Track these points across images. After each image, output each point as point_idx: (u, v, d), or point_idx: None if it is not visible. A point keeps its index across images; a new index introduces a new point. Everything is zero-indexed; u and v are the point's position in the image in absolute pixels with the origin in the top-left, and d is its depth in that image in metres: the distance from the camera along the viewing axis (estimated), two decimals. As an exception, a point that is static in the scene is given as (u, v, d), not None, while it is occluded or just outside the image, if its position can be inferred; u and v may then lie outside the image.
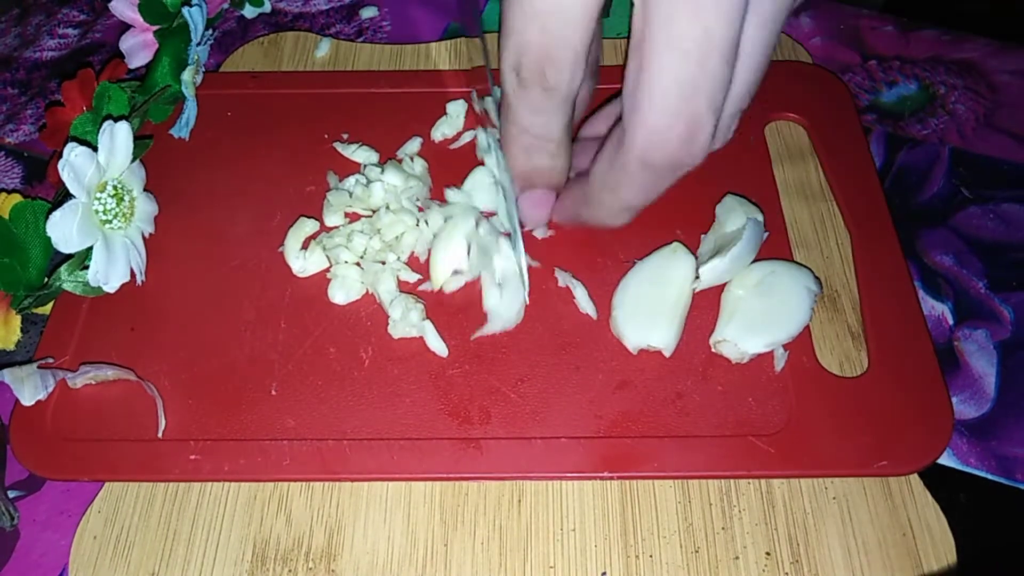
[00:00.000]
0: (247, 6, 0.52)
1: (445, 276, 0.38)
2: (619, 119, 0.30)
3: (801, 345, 0.36)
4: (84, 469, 0.34)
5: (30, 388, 0.35)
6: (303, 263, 0.39)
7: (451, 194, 0.40)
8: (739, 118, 0.30)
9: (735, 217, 0.38)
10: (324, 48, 0.49)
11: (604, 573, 0.32)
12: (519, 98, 0.31)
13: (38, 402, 0.35)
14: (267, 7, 0.52)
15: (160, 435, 0.34)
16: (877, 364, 0.35)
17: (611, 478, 0.33)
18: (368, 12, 0.53)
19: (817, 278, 0.37)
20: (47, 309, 0.39)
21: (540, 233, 0.39)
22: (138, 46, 0.44)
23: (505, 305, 0.36)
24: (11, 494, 0.35)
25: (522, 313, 0.37)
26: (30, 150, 0.47)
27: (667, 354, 0.36)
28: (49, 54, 0.51)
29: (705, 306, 0.37)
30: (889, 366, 0.35)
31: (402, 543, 0.33)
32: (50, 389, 0.35)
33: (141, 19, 0.43)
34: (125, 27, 0.44)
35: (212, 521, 0.33)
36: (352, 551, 0.32)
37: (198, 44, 0.43)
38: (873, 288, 0.37)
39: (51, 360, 0.36)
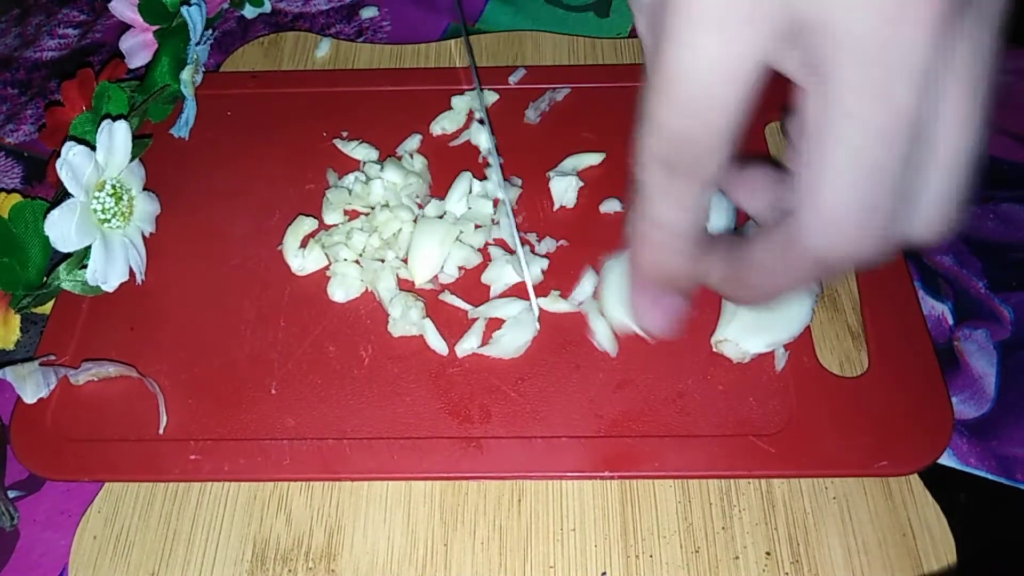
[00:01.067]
0: (247, 6, 0.52)
1: (424, 279, 0.38)
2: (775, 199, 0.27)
3: (802, 345, 0.36)
4: (84, 469, 0.34)
5: (32, 385, 0.35)
6: (302, 261, 0.39)
7: (432, 207, 0.40)
8: (958, 203, 0.26)
9: (717, 214, 0.38)
10: (324, 48, 0.49)
11: (604, 573, 0.32)
12: (663, 192, 0.27)
13: (38, 402, 0.35)
14: (267, 7, 0.52)
15: (161, 431, 0.34)
16: (877, 364, 0.35)
17: (611, 477, 0.33)
18: (368, 12, 0.53)
19: None
20: (47, 309, 0.39)
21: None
22: (138, 46, 0.44)
23: (509, 339, 0.36)
24: (11, 494, 0.35)
25: (524, 349, 0.36)
26: (30, 150, 0.47)
27: (650, 339, 0.35)
28: (49, 54, 0.51)
29: (705, 306, 0.37)
30: (889, 366, 0.35)
31: (402, 543, 0.33)
32: (52, 386, 0.35)
33: (141, 19, 0.43)
34: (125, 27, 0.44)
35: (212, 521, 0.33)
36: (352, 551, 0.32)
37: (197, 44, 0.43)
38: (873, 288, 0.37)
39: (52, 357, 0.36)
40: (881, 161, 0.23)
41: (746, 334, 0.35)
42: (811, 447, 0.33)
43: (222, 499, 0.34)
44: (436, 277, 0.38)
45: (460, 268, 0.39)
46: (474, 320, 0.37)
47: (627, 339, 0.36)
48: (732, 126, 0.25)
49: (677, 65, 0.24)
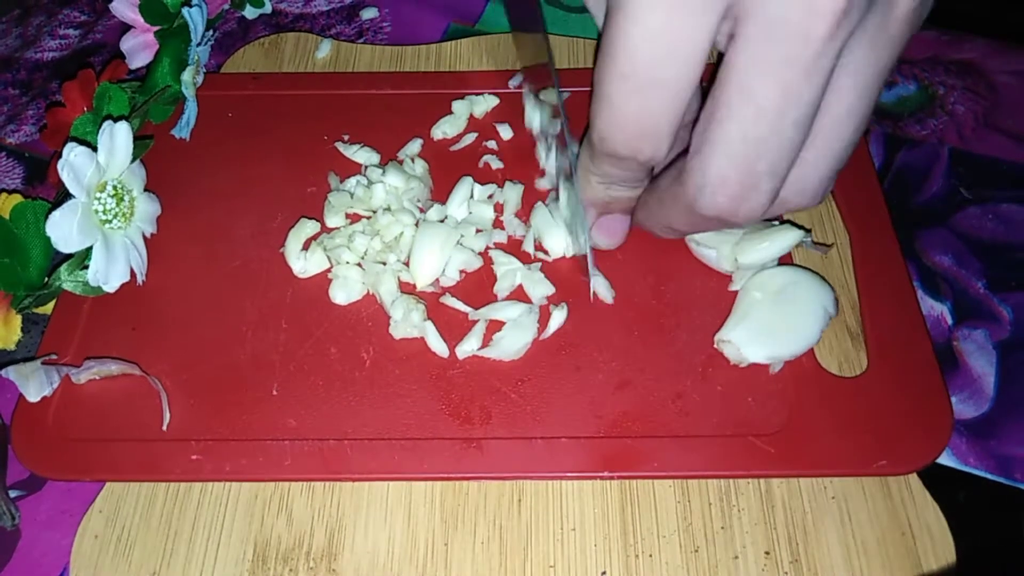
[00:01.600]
0: (248, 7, 0.52)
1: (426, 282, 0.38)
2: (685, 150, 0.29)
3: None
4: (85, 469, 0.34)
5: (35, 384, 0.35)
6: (304, 264, 0.39)
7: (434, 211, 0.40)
8: (830, 180, 0.29)
9: None
10: (325, 49, 0.49)
11: (604, 573, 0.32)
12: (608, 163, 0.30)
13: (40, 402, 0.35)
14: (268, 8, 0.53)
15: (165, 428, 0.34)
16: (876, 364, 0.35)
17: (611, 478, 0.33)
18: (368, 13, 0.53)
19: (836, 299, 0.37)
20: (48, 309, 0.39)
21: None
22: (139, 47, 0.44)
23: (509, 340, 0.36)
24: (12, 493, 0.35)
25: (525, 351, 0.36)
26: (31, 151, 0.47)
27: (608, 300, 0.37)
28: (50, 55, 0.51)
29: (705, 306, 0.37)
30: (888, 366, 0.35)
31: (403, 543, 0.33)
32: (55, 385, 0.35)
33: (142, 20, 0.43)
34: (126, 28, 0.44)
35: (213, 521, 0.33)
36: (353, 551, 0.33)
37: (198, 44, 0.43)
38: (872, 288, 0.37)
39: (54, 357, 0.36)
40: (764, 136, 0.25)
41: (751, 341, 0.35)
42: (810, 447, 0.33)
43: (223, 499, 0.34)
44: (437, 280, 0.38)
45: (461, 272, 0.39)
46: (475, 322, 0.37)
47: (625, 340, 0.36)
48: (680, 113, 0.27)
49: (627, 40, 0.25)
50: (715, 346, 0.36)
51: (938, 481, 0.34)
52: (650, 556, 0.32)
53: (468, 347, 0.36)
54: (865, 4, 0.24)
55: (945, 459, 0.35)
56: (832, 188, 0.30)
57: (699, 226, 0.31)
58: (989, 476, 0.35)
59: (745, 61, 0.25)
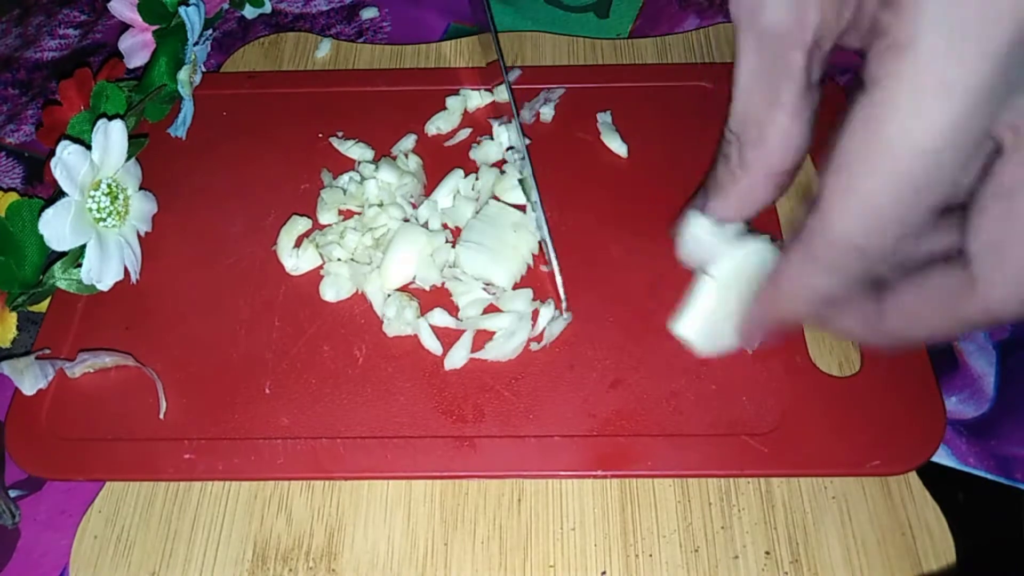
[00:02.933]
0: (247, 6, 0.52)
1: (394, 284, 0.38)
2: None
3: (794, 345, 0.36)
4: (78, 468, 0.34)
5: (30, 378, 0.35)
6: (296, 261, 0.39)
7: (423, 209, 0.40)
8: None
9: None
10: (324, 49, 0.49)
11: (604, 572, 0.32)
12: (834, 268, 0.25)
13: (33, 400, 0.35)
14: (267, 8, 0.53)
15: (162, 416, 0.35)
16: (870, 364, 0.35)
17: (605, 476, 0.33)
18: (368, 13, 0.53)
19: None
20: (43, 307, 0.39)
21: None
22: (137, 46, 0.44)
23: (502, 345, 0.36)
24: (12, 493, 0.35)
25: (519, 351, 0.36)
26: (31, 150, 0.47)
27: (505, 285, 0.37)
28: (50, 54, 0.51)
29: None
30: (882, 365, 0.35)
31: (402, 542, 0.33)
32: (50, 378, 0.35)
33: (140, 19, 0.43)
34: (126, 28, 0.44)
35: (213, 521, 0.33)
36: (352, 550, 0.33)
37: (195, 44, 0.43)
38: None
39: (48, 351, 0.36)
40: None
41: (696, 332, 0.32)
42: (804, 446, 0.33)
43: (223, 499, 0.34)
44: (408, 285, 0.38)
45: (433, 286, 0.38)
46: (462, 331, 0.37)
47: (619, 339, 0.36)
48: (943, 199, 0.23)
49: (898, 133, 0.22)
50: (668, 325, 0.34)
51: (938, 481, 0.34)
52: (650, 556, 0.32)
53: (456, 357, 0.36)
54: None
55: (945, 459, 0.35)
56: None
57: (971, 327, 0.26)
58: (989, 476, 0.35)
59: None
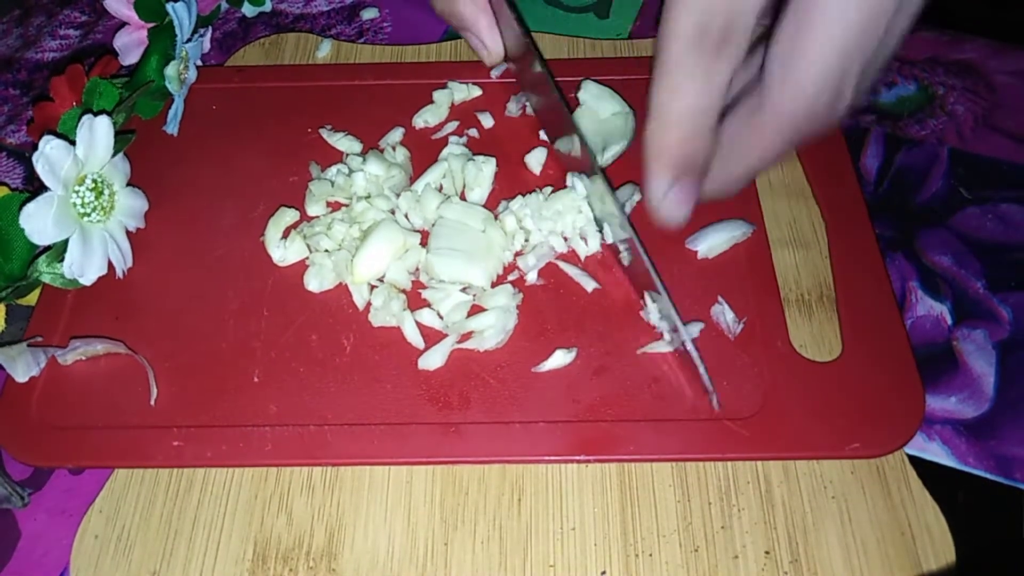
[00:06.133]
0: (246, 4, 0.52)
1: (363, 278, 0.38)
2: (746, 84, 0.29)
3: (775, 330, 0.36)
4: (68, 456, 0.34)
5: (23, 365, 0.35)
6: (283, 252, 0.39)
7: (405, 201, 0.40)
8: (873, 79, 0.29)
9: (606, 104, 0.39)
10: (325, 49, 0.49)
11: (604, 572, 0.32)
12: (694, 67, 0.28)
13: (24, 389, 0.35)
14: (268, 6, 0.53)
15: (153, 403, 0.35)
16: (850, 348, 0.36)
17: (588, 461, 0.33)
18: (369, 13, 0.53)
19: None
20: (33, 300, 0.39)
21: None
22: (132, 43, 0.44)
23: (494, 328, 0.36)
24: (13, 493, 0.35)
25: (505, 338, 0.37)
26: (32, 151, 0.47)
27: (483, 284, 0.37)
28: (50, 55, 0.51)
29: (682, 291, 0.37)
30: (862, 351, 0.36)
31: (402, 542, 0.33)
32: (42, 365, 0.36)
33: (136, 16, 0.43)
34: (123, 26, 0.45)
35: (213, 520, 0.33)
36: (353, 550, 0.33)
37: (187, 41, 0.43)
38: (847, 275, 0.38)
39: (40, 339, 0.37)
40: (857, 43, 0.26)
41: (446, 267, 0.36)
42: (785, 430, 0.33)
43: (223, 499, 0.34)
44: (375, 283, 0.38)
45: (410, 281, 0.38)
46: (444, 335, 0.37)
47: (603, 326, 0.36)
48: (762, 4, 0.26)
49: None
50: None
51: (938, 481, 0.34)
52: (650, 556, 0.32)
53: (431, 360, 0.36)
54: None
55: (945, 459, 0.35)
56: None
57: (785, 148, 0.30)
58: (989, 476, 0.35)
59: None
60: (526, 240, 0.39)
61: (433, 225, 0.39)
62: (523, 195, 0.40)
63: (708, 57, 0.27)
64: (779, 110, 0.28)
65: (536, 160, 0.42)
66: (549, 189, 0.40)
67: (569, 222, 0.39)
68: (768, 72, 0.28)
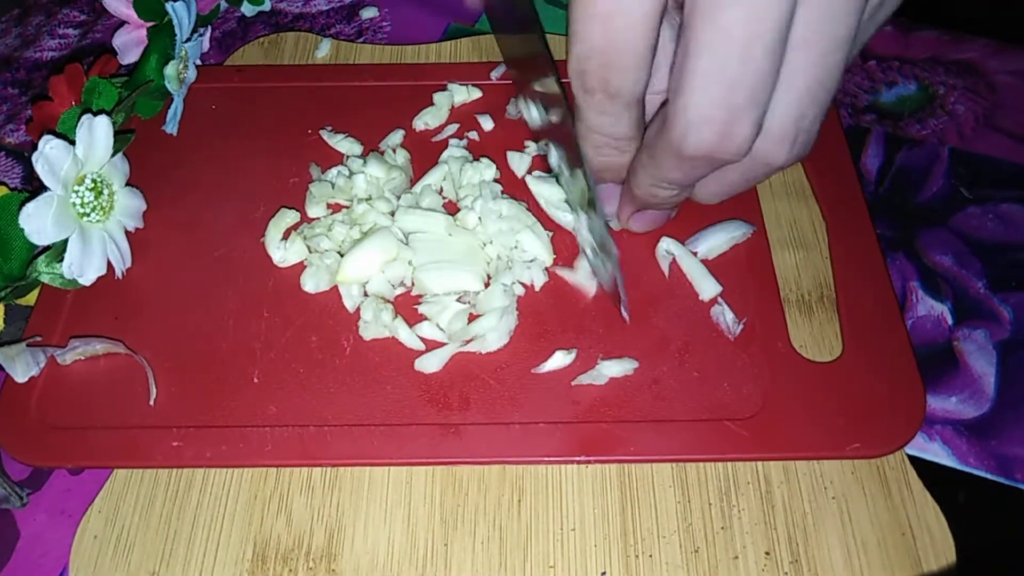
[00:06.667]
0: (245, 3, 0.52)
1: (348, 280, 0.38)
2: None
3: (775, 330, 0.36)
4: (67, 456, 0.34)
5: (22, 365, 0.35)
6: (283, 253, 0.39)
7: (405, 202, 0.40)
8: (813, 122, 0.29)
9: None
10: (324, 49, 0.49)
11: (604, 573, 0.32)
12: (585, 102, 0.30)
13: (23, 389, 0.35)
14: (267, 6, 0.52)
15: (152, 403, 0.35)
16: (851, 349, 0.36)
17: (588, 462, 0.33)
18: (368, 13, 0.53)
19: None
20: (32, 300, 0.39)
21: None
22: (131, 42, 0.44)
23: (496, 331, 0.36)
24: (12, 494, 0.35)
25: (507, 339, 0.36)
26: (31, 150, 0.47)
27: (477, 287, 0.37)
28: (50, 54, 0.51)
29: (682, 292, 0.37)
30: (863, 351, 0.36)
31: (402, 543, 0.33)
32: (42, 365, 0.36)
33: (135, 15, 0.43)
34: (122, 25, 0.44)
35: (213, 521, 0.33)
36: (352, 551, 0.33)
37: (186, 40, 0.43)
38: (848, 275, 0.38)
39: (39, 338, 0.37)
40: (736, 65, 0.26)
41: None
42: (785, 431, 0.33)
43: (223, 499, 0.34)
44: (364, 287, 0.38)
45: (399, 286, 0.38)
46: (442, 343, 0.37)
47: (603, 326, 0.36)
48: (645, 44, 0.27)
49: None
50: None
51: (938, 481, 0.34)
52: (650, 556, 0.32)
53: (429, 363, 0.36)
54: None
55: (945, 459, 0.35)
56: (812, 144, 0.30)
57: (691, 172, 0.31)
58: (989, 476, 0.35)
59: (713, 2, 0.25)
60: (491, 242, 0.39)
61: (408, 241, 0.38)
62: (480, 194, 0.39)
63: (596, 95, 0.29)
64: (672, 134, 0.28)
65: (521, 163, 0.42)
66: (499, 188, 0.40)
67: (525, 240, 0.38)
68: (669, 92, 0.28)
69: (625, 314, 0.36)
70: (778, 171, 0.31)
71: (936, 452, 0.36)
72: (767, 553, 0.32)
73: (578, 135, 0.33)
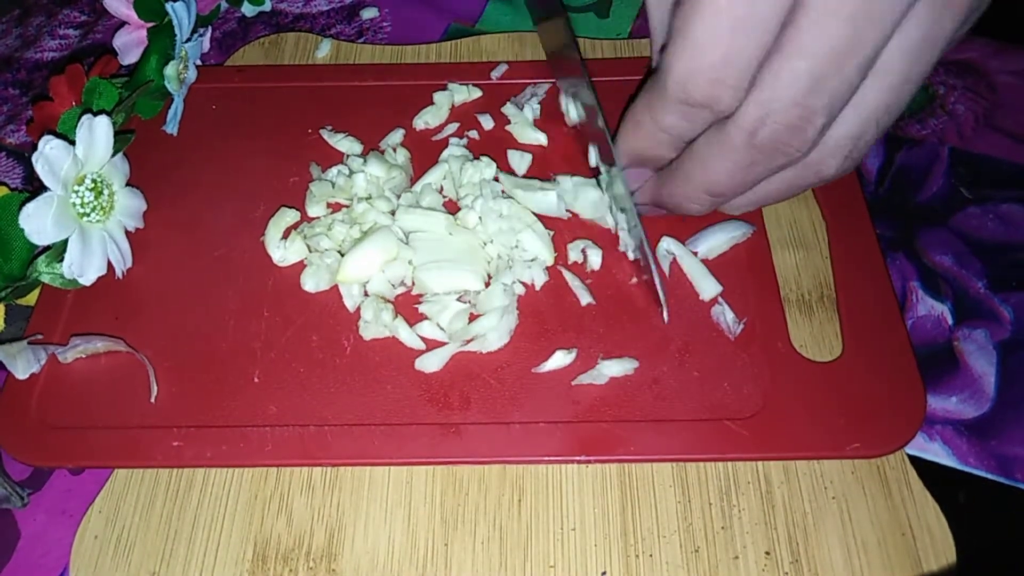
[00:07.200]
0: (246, 4, 0.52)
1: (348, 279, 0.38)
2: None
3: (776, 330, 0.36)
4: (67, 455, 0.34)
5: (23, 363, 0.35)
6: (283, 252, 0.39)
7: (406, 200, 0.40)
8: (868, 143, 0.30)
9: None
10: (325, 49, 0.49)
11: (604, 573, 0.32)
12: (675, 109, 0.30)
13: (23, 388, 0.35)
14: (267, 6, 0.53)
15: (153, 400, 0.35)
16: (851, 348, 0.36)
17: (588, 461, 0.33)
18: (369, 13, 0.53)
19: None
20: (32, 300, 0.39)
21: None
22: (132, 43, 0.44)
23: (497, 331, 0.36)
24: (12, 494, 0.35)
25: (507, 338, 0.36)
26: (31, 151, 0.47)
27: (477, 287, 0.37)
28: (50, 55, 0.51)
29: (683, 291, 0.37)
30: (863, 351, 0.36)
31: (403, 543, 0.33)
32: (43, 362, 0.36)
33: (135, 16, 0.43)
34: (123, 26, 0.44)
35: (213, 521, 0.33)
36: (353, 551, 0.33)
37: (186, 40, 0.43)
38: (847, 274, 0.38)
39: (40, 336, 0.37)
40: (828, 72, 0.26)
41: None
42: (785, 430, 0.33)
43: (223, 499, 0.34)
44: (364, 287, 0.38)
45: (398, 285, 0.38)
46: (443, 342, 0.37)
47: (603, 326, 0.36)
48: (767, 45, 0.27)
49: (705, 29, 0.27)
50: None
51: (938, 481, 0.34)
52: (650, 556, 0.32)
53: (430, 362, 0.36)
54: None
55: (945, 459, 0.35)
56: (860, 162, 0.31)
57: (744, 168, 0.31)
58: (989, 476, 0.35)
59: (818, 7, 0.26)
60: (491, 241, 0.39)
61: (408, 240, 0.38)
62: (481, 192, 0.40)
63: (697, 110, 0.29)
64: (743, 123, 0.29)
65: (521, 163, 0.42)
66: (499, 187, 0.40)
67: (525, 239, 0.38)
68: (667, 49, 0.29)
69: (665, 314, 0.36)
70: (821, 184, 0.31)
71: (936, 452, 0.36)
72: (767, 553, 0.32)
73: (634, 125, 0.33)
